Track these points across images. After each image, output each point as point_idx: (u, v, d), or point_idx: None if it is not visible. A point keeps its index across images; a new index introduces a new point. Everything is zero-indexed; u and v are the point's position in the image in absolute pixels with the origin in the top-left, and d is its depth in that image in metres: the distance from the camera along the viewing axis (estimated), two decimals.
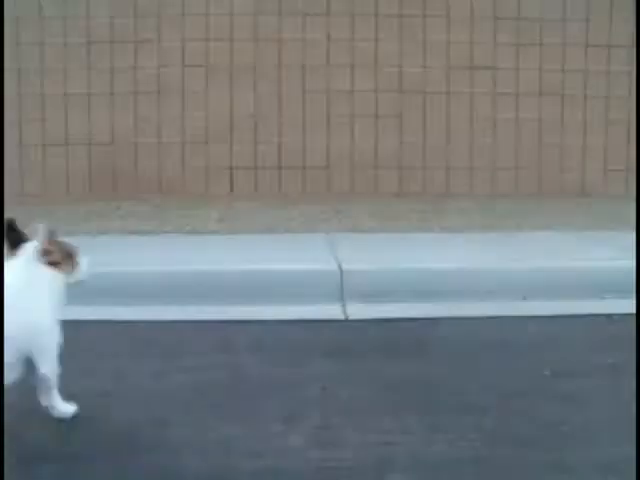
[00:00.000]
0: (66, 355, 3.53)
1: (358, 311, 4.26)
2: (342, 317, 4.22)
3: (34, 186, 7.35)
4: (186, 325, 4.03)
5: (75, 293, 4.38)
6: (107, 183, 7.38)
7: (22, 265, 2.65)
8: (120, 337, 3.83)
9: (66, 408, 2.75)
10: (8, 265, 2.61)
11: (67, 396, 2.99)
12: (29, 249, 2.66)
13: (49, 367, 2.70)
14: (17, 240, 2.65)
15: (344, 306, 4.35)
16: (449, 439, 2.60)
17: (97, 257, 4.96)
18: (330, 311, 4.26)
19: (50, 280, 2.71)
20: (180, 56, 7.36)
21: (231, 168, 7.48)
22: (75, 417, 2.78)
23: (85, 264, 2.86)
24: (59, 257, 2.72)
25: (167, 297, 4.38)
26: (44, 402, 2.74)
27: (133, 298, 4.35)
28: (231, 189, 7.48)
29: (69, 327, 3.97)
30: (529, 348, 3.64)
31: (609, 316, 4.12)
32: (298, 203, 6.74)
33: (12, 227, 2.65)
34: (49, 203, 7.04)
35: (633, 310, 4.00)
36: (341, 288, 4.48)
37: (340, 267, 4.59)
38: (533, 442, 2.58)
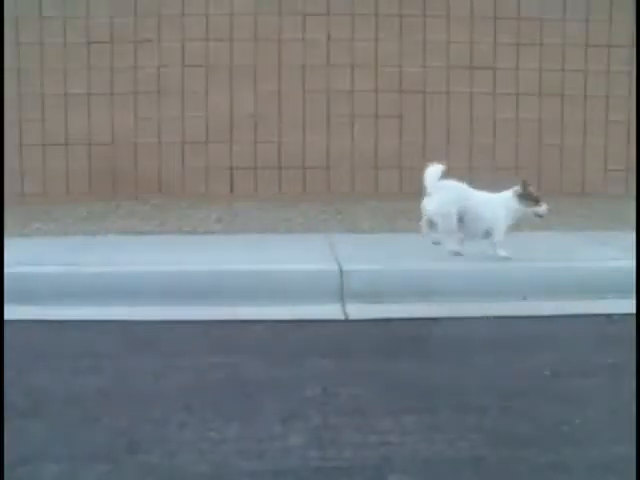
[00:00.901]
0: (65, 355, 3.54)
1: (358, 311, 4.25)
2: (342, 317, 4.21)
3: (34, 186, 7.36)
4: (186, 325, 4.03)
5: (76, 293, 4.40)
6: (107, 183, 7.39)
7: (504, 195, 4.78)
8: (120, 337, 3.83)
9: (504, 253, 4.75)
10: (500, 195, 4.81)
11: (67, 396, 3.00)
12: (512, 190, 4.79)
13: (498, 238, 4.78)
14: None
15: (344, 306, 4.35)
16: (449, 439, 2.59)
17: (97, 257, 4.99)
18: (330, 311, 4.26)
19: (513, 207, 4.77)
20: (180, 56, 7.36)
21: (231, 168, 7.49)
22: (76, 417, 2.80)
23: (544, 208, 4.81)
24: (525, 196, 4.78)
25: (167, 297, 4.39)
26: (490, 251, 4.78)
27: (133, 298, 4.35)
28: (231, 189, 7.49)
29: (69, 327, 4.00)
30: (529, 348, 3.64)
31: (609, 316, 4.11)
32: (298, 203, 6.74)
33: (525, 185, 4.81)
34: (49, 203, 7.05)
35: (633, 310, 4.01)
36: (341, 288, 4.48)
37: (340, 267, 4.59)
38: (533, 442, 2.58)
